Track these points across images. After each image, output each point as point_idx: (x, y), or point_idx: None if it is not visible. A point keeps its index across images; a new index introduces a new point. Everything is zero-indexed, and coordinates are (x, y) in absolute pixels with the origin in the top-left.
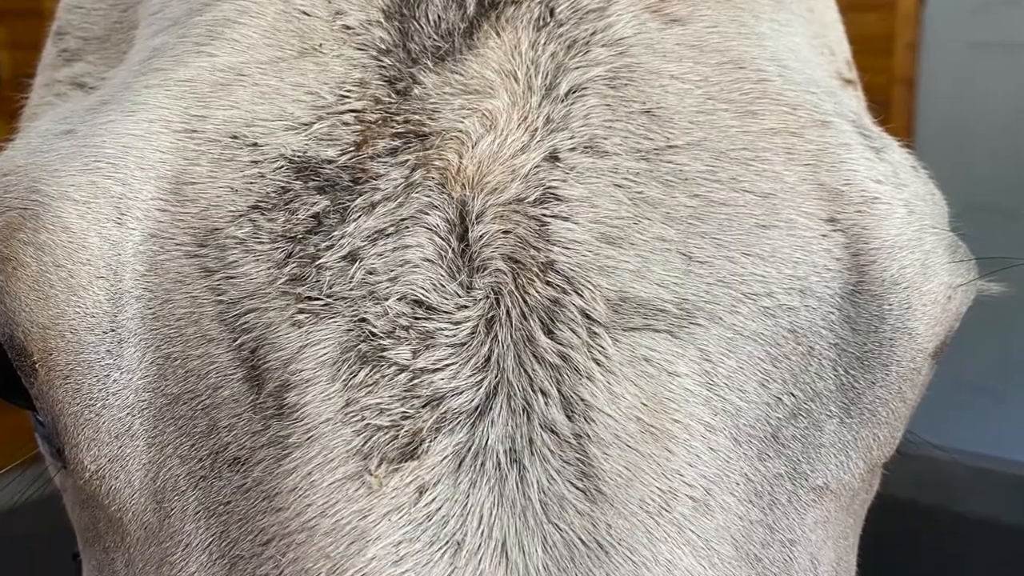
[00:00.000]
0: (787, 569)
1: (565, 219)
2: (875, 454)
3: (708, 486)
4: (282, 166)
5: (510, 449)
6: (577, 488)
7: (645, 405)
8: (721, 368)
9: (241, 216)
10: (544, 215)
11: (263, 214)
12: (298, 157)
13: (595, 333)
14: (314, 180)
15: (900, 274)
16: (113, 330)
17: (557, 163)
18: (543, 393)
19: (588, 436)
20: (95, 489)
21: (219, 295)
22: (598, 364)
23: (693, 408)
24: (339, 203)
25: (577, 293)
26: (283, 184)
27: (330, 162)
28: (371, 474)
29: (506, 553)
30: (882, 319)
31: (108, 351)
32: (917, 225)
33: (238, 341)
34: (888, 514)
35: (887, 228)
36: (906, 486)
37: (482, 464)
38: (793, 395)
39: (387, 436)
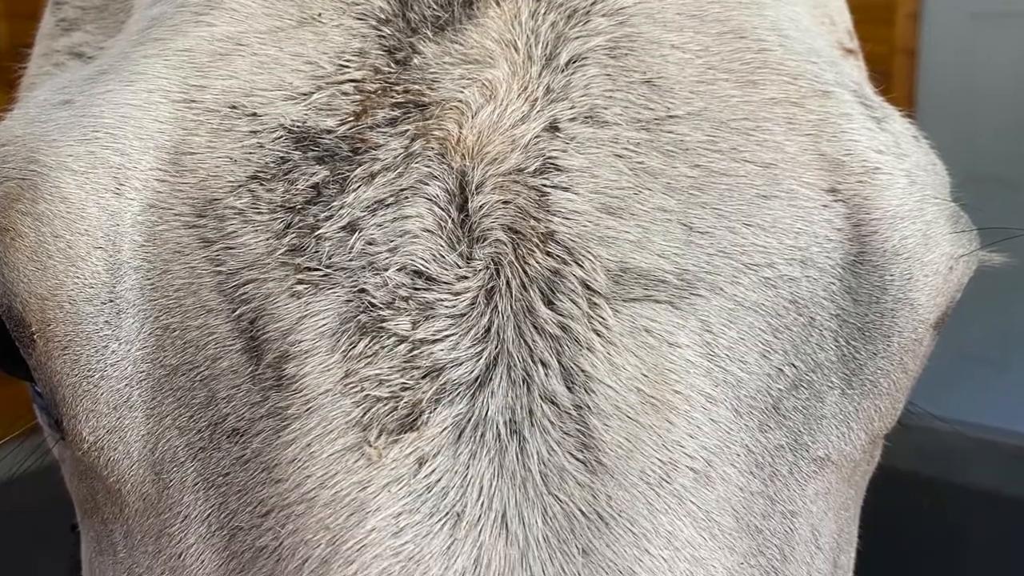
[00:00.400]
0: (788, 540)
1: (565, 189)
2: (876, 425)
3: (709, 457)
4: (281, 136)
5: (510, 420)
6: (577, 459)
7: (646, 376)
8: (722, 339)
9: (240, 186)
10: (544, 185)
11: (262, 184)
12: (297, 127)
13: (595, 304)
14: (313, 150)
15: (901, 245)
16: (111, 301)
17: (557, 133)
18: (543, 364)
19: (588, 407)
20: (93, 460)
21: (218, 266)
22: (598, 335)
23: (694, 379)
24: (338, 173)
25: (577, 264)
26: (282, 154)
27: (329, 132)
28: (370, 445)
29: (506, 524)
30: (883, 290)
31: (107, 322)
32: (918, 195)
33: (237, 312)
34: (889, 485)
35: (888, 198)
36: (907, 457)
37: (482, 435)
38: (794, 366)
39: (386, 407)
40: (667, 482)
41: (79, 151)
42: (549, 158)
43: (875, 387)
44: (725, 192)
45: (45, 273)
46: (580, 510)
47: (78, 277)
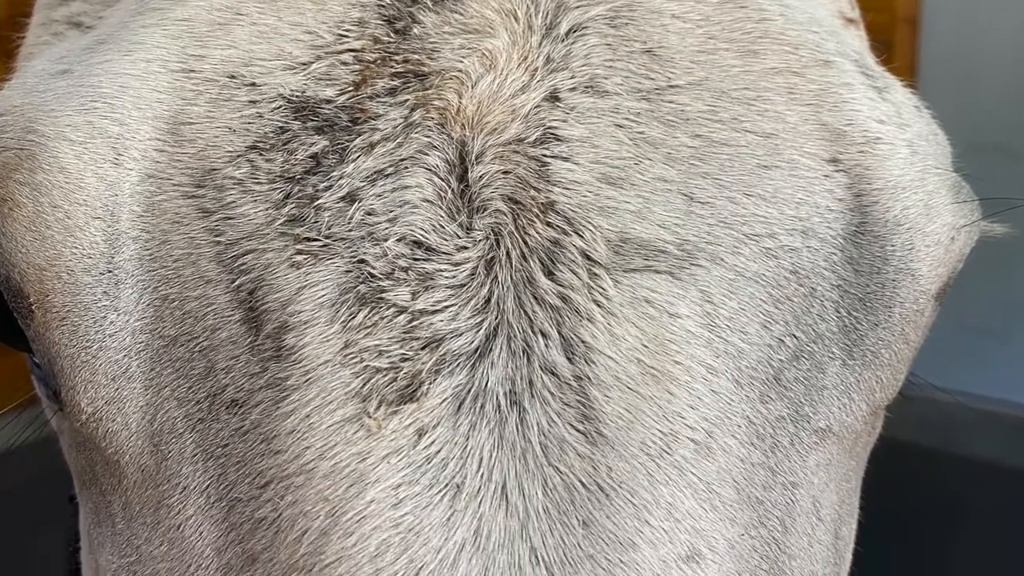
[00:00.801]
0: (789, 512)
1: (565, 159)
2: (878, 396)
3: (709, 428)
4: (280, 106)
5: (510, 391)
6: (577, 430)
7: (646, 347)
8: (723, 309)
9: (239, 156)
10: (544, 155)
11: (261, 154)
12: (296, 97)
13: (596, 274)
14: (312, 120)
15: (903, 215)
16: (110, 271)
17: (557, 103)
18: (543, 335)
19: (589, 378)
20: (92, 431)
21: (217, 236)
22: (599, 305)
23: (694, 350)
24: (338, 143)
25: (578, 234)
26: (281, 124)
27: (329, 102)
28: (370, 416)
29: (506, 496)
30: (885, 260)
31: (105, 292)
32: (920, 165)
33: (236, 282)
34: (890, 456)
35: (890, 168)
36: (908, 428)
37: (482, 406)
38: (795, 337)
39: (386, 378)
40: (668, 453)
41: (77, 121)
42: (549, 128)
43: (876, 358)
44: (726, 162)
45: (43, 243)
46: (580, 481)
47: (76, 247)
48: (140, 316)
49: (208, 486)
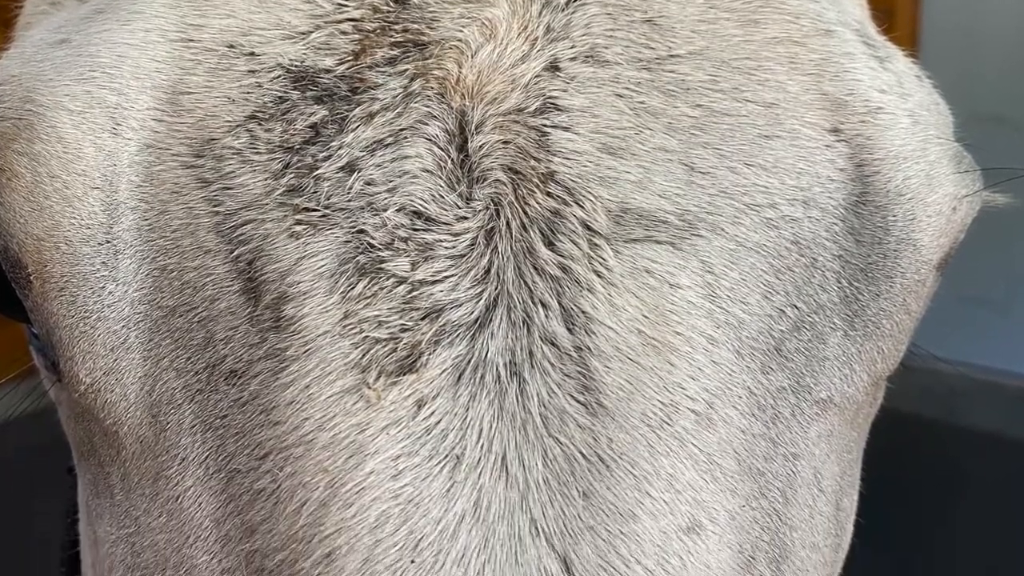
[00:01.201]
0: (790, 483)
1: (566, 129)
2: (879, 367)
3: (710, 399)
4: (279, 76)
5: (510, 362)
6: (578, 401)
7: (647, 317)
8: (723, 280)
9: (238, 126)
10: (544, 125)
11: (260, 124)
12: (295, 66)
13: (596, 244)
14: (312, 90)
15: (904, 185)
16: (108, 241)
17: (557, 73)
18: (543, 305)
19: (589, 349)
20: (90, 403)
21: (216, 206)
22: (599, 276)
23: (695, 320)
24: (337, 113)
25: (578, 204)
26: (280, 94)
27: (328, 72)
28: (369, 387)
29: (506, 467)
30: (886, 230)
31: (103, 263)
32: (922, 135)
33: (235, 253)
34: (892, 427)
35: (891, 138)
36: (910, 399)
37: (482, 377)
38: (796, 307)
39: (385, 349)
40: (668, 424)
41: (76, 91)
42: (549, 98)
43: (878, 328)
44: (727, 132)
45: (41, 213)
46: (580, 452)
47: (75, 218)
48: (139, 286)
49: (207, 457)
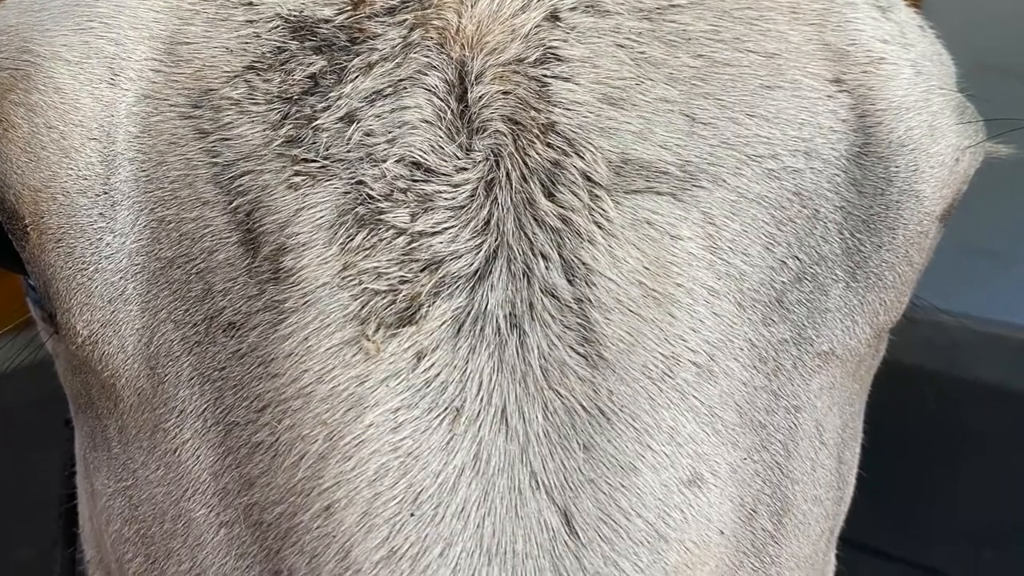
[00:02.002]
0: (792, 435)
1: (566, 80)
2: (881, 319)
3: (711, 352)
4: (278, 26)
5: (510, 314)
6: (578, 353)
7: (647, 269)
8: (725, 231)
9: (236, 77)
10: (545, 76)
11: (258, 75)
12: (294, 16)
13: (596, 196)
14: (310, 40)
15: (907, 135)
16: (106, 192)
17: (558, 23)
18: (544, 257)
19: (589, 300)
20: (88, 355)
21: (214, 157)
22: (599, 227)
23: (696, 272)
24: (336, 63)
25: (578, 155)
26: (279, 44)
27: (327, 22)
28: (368, 339)
29: (506, 419)
30: (889, 181)
31: (101, 214)
32: (924, 86)
33: (233, 204)
34: (894, 380)
35: (894, 89)
36: (912, 351)
37: (481, 329)
38: (798, 259)
39: (385, 301)
40: (669, 376)
41: (73, 41)
42: (549, 48)
43: (880, 280)
44: (728, 83)
45: (38, 164)
46: (581, 405)
47: (72, 168)
48: (136, 238)
49: (205, 410)
